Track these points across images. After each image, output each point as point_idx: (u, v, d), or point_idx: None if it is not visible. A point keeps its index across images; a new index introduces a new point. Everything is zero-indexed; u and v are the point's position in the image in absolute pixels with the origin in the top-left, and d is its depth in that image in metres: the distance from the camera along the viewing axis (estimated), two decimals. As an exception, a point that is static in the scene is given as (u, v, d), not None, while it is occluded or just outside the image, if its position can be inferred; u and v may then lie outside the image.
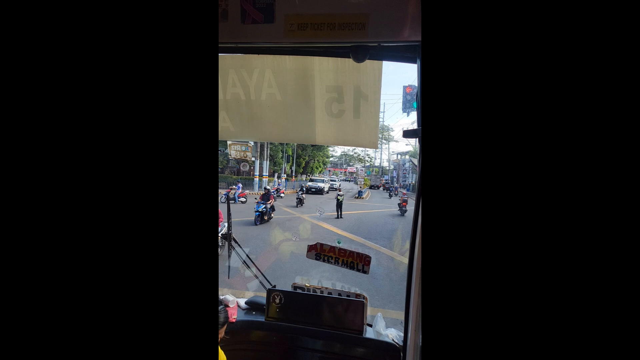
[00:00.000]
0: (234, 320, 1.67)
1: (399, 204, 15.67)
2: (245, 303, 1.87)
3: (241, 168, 24.02)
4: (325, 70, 1.32)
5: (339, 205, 12.30)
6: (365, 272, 1.74)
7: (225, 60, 1.37)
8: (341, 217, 12.20)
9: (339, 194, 12.78)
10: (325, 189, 24.54)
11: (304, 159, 33.91)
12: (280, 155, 28.57)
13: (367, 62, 1.22)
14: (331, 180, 31.82)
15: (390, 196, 24.46)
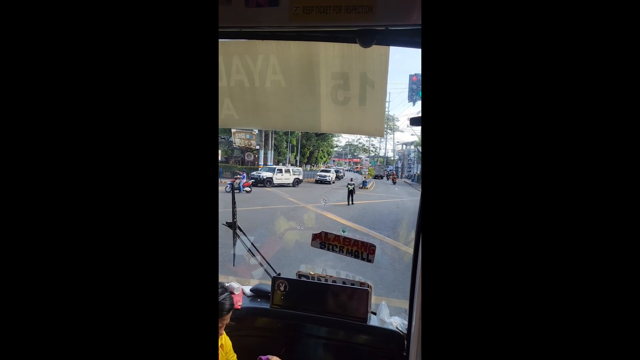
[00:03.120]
0: (239, 307, 1.69)
1: (391, 180, 27.96)
2: (251, 290, 1.89)
3: (246, 158, 24.00)
4: (330, 56, 1.29)
5: (350, 193, 13.51)
6: (370, 261, 1.74)
7: (229, 46, 1.35)
8: (352, 204, 13.24)
9: (349, 183, 13.92)
10: (283, 181, 19.09)
11: (308, 148, 33.80)
12: (285, 145, 28.43)
13: (374, 47, 1.19)
14: (323, 171, 26.14)
15: (388, 178, 34.06)
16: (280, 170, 19.92)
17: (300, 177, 22.01)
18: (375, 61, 1.25)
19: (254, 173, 18.76)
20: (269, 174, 18.66)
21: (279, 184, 19.12)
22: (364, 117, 1.36)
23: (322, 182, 24.33)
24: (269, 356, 1.21)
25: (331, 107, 1.37)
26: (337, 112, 1.38)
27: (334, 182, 25.66)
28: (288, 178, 20.25)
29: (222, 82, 1.39)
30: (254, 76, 1.37)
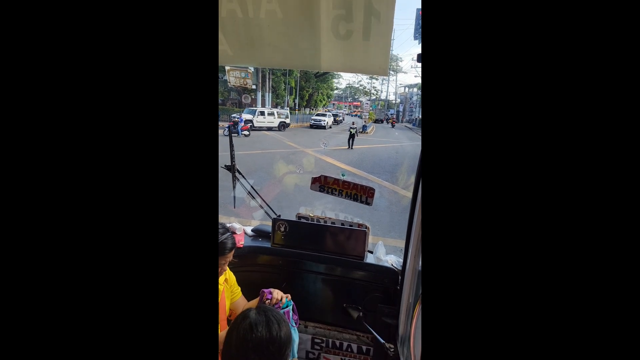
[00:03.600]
0: (241, 246, 1.76)
1: (390, 123, 31.02)
2: (252, 230, 1.96)
3: (243, 100, 23.16)
4: None
5: (351, 137, 13.61)
6: (368, 204, 1.77)
7: None
8: (352, 148, 13.31)
9: (351, 127, 13.92)
10: (267, 124, 17.56)
11: (307, 91, 32.60)
12: (283, 87, 27.33)
13: (381, -30, 1.06)
14: (318, 115, 24.38)
15: (387, 122, 36.00)
16: (262, 113, 18.37)
17: (287, 121, 20.31)
18: None
19: (234, 115, 17.39)
20: (249, 117, 17.49)
21: (260, 127, 17.92)
22: (367, 53, 1.25)
23: (317, 126, 22.56)
24: (271, 289, 1.28)
25: (332, 42, 1.26)
26: (338, 48, 1.27)
27: (330, 127, 23.92)
28: (272, 121, 18.71)
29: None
30: (247, 5, 1.24)
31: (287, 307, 1.27)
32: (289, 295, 1.30)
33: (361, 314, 1.70)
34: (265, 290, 1.28)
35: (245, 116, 17.33)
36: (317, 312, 1.83)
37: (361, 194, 1.77)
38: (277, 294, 1.27)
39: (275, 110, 20.11)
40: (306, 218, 1.85)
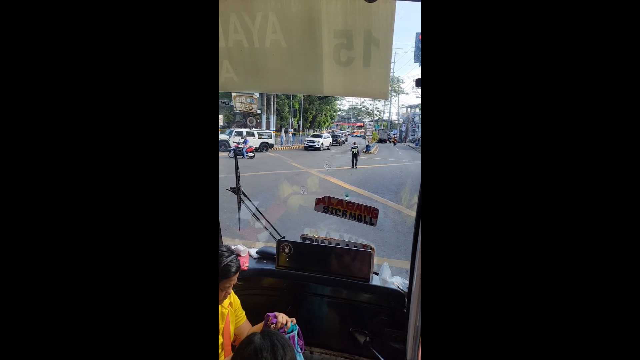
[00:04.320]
0: (245, 269, 1.75)
1: (392, 142, 32.33)
2: (257, 252, 1.95)
3: (248, 122, 23.63)
4: (333, 12, 1.21)
5: (354, 156, 13.96)
6: (372, 224, 1.77)
7: (226, 3, 1.27)
8: (356, 167, 13.55)
9: (353, 147, 14.19)
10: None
11: (311, 112, 33.18)
12: (287, 109, 27.87)
13: (379, 1, 1.12)
14: (313, 136, 23.41)
15: (389, 141, 37.10)
16: (239, 133, 18.12)
17: (270, 142, 19.69)
18: (380, 17, 1.18)
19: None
20: (224, 137, 17.21)
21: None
22: (368, 78, 1.30)
23: (312, 148, 21.43)
24: (276, 313, 1.27)
25: (334, 68, 1.31)
26: (340, 74, 1.33)
27: (328, 149, 22.95)
28: (252, 142, 18.10)
29: (220, 43, 1.33)
30: (253, 36, 1.31)
31: (292, 331, 1.25)
32: (294, 319, 1.28)
33: (368, 338, 1.66)
34: (270, 314, 1.27)
35: (221, 136, 16.97)
36: (323, 337, 1.79)
37: (365, 214, 1.77)
38: (282, 318, 1.25)
39: (255, 131, 19.75)
40: (311, 239, 1.85)
